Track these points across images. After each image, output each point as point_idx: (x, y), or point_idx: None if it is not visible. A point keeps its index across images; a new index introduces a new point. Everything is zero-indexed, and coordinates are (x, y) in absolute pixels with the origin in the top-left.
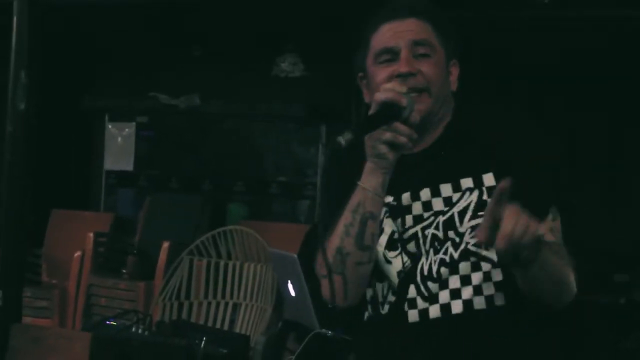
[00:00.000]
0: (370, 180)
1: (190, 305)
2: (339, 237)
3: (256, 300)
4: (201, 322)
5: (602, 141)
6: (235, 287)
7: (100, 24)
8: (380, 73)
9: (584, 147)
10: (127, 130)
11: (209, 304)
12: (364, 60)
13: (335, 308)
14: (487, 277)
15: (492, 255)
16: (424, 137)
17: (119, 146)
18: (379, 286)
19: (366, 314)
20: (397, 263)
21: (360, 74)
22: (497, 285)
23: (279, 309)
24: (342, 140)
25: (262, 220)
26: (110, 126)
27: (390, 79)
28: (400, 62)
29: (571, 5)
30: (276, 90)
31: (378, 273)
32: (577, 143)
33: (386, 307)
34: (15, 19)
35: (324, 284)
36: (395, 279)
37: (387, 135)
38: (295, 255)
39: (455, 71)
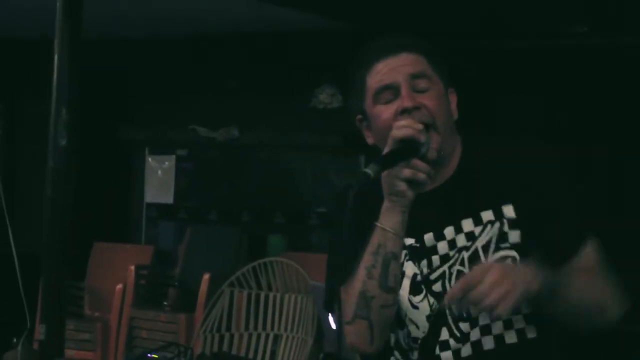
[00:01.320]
0: (389, 219)
1: (232, 337)
2: (361, 281)
3: (297, 331)
4: (242, 354)
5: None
6: (276, 319)
7: (140, 58)
8: (384, 112)
9: (627, 172)
10: (167, 162)
11: (250, 335)
12: (361, 102)
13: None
14: (516, 310)
15: None
16: (437, 174)
17: (159, 179)
18: (400, 333)
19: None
20: (424, 307)
21: (359, 117)
22: (527, 318)
23: (320, 341)
24: (370, 171)
25: (302, 252)
26: (150, 159)
27: (395, 116)
28: (402, 98)
29: (608, 33)
30: (314, 121)
31: (398, 319)
32: (620, 164)
33: (415, 354)
34: (56, 57)
35: (348, 331)
36: (425, 324)
37: (406, 173)
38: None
39: (453, 99)
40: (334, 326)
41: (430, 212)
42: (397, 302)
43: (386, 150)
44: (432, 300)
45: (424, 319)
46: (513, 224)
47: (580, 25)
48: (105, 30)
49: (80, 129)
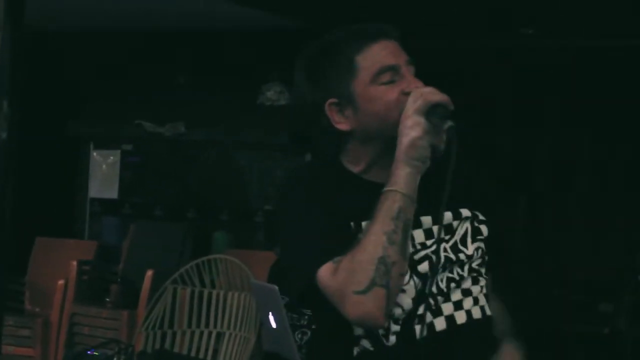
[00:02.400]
0: (409, 185)
1: (174, 334)
2: (381, 247)
3: (240, 329)
4: (184, 351)
5: (585, 170)
6: (219, 316)
7: (85, 52)
8: (387, 93)
9: (568, 178)
10: (112, 157)
11: (193, 333)
12: (347, 84)
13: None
14: (482, 289)
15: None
16: None
17: (104, 174)
18: None
19: (357, 350)
20: (410, 289)
21: (332, 101)
22: (487, 297)
23: (262, 339)
24: (451, 122)
25: (247, 249)
26: (95, 154)
27: (399, 97)
28: (405, 80)
29: (554, 35)
30: (261, 118)
31: None
32: (562, 171)
33: (392, 337)
34: None
35: (360, 300)
36: (410, 306)
37: (433, 139)
38: (276, 287)
39: None
40: (274, 325)
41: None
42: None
43: (414, 115)
44: (417, 280)
45: (410, 301)
46: (481, 222)
47: (526, 28)
48: (53, 24)
49: (25, 123)
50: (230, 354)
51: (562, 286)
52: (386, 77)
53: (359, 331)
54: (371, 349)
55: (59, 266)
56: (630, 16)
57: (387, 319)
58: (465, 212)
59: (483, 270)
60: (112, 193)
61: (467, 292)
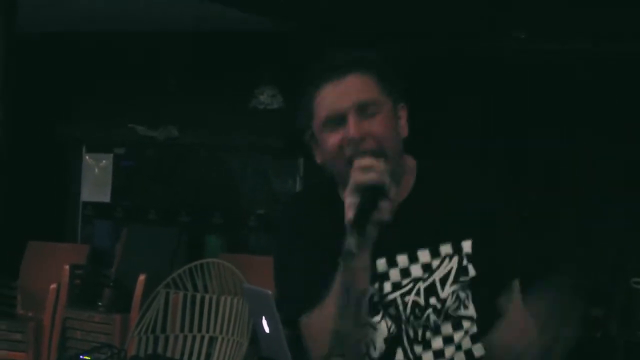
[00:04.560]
0: (359, 258)
1: (166, 338)
2: (334, 320)
3: (232, 334)
4: (177, 356)
5: (576, 174)
6: (212, 321)
7: (78, 55)
8: (330, 139)
9: (555, 181)
10: (104, 161)
11: (185, 337)
12: (310, 121)
13: None
14: (466, 332)
15: (472, 312)
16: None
17: (96, 177)
18: None
19: None
20: (382, 329)
21: (309, 133)
22: (474, 338)
23: (255, 343)
24: (353, 248)
25: (240, 253)
26: (87, 157)
27: (341, 145)
28: (348, 126)
29: (548, 39)
30: (254, 122)
31: None
32: (550, 175)
33: None
34: None
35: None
36: (381, 345)
37: (375, 216)
38: (270, 292)
39: (404, 114)
40: (267, 330)
41: (384, 238)
42: (368, 333)
43: (349, 196)
44: (390, 322)
45: (382, 340)
46: (469, 259)
47: (518, 32)
48: (45, 27)
49: (16, 126)
50: (223, 358)
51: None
52: (332, 125)
53: None
54: None
55: (51, 270)
56: (623, 20)
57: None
58: (446, 249)
59: (466, 313)
60: (105, 197)
61: (448, 340)
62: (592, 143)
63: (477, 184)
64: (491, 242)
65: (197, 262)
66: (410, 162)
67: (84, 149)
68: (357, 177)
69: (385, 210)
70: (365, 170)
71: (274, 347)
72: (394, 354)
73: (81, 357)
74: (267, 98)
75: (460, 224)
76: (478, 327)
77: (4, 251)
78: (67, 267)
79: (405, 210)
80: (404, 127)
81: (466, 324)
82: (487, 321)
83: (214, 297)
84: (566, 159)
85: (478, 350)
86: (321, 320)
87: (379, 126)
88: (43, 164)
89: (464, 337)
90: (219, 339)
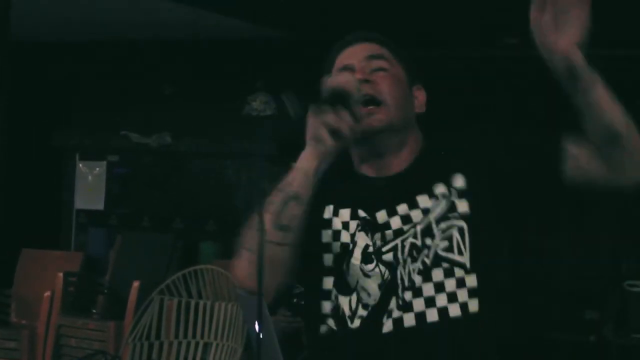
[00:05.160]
0: (304, 161)
1: (161, 345)
2: (259, 214)
3: (227, 339)
4: None
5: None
6: (206, 327)
7: (70, 63)
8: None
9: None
10: (97, 169)
11: (180, 344)
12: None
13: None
14: (460, 283)
15: (465, 260)
16: (389, 158)
17: (90, 185)
18: (343, 299)
19: (324, 328)
20: (376, 275)
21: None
22: (471, 292)
23: (250, 349)
24: (292, 112)
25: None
26: (81, 165)
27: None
28: (355, 74)
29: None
30: (247, 128)
31: (343, 286)
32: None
33: (357, 321)
34: None
35: (234, 264)
36: (376, 292)
37: (330, 119)
38: (263, 297)
39: (420, 95)
40: (261, 335)
41: (384, 194)
42: (289, 245)
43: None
44: (383, 269)
45: (376, 287)
46: (461, 194)
47: (511, 37)
48: (38, 35)
49: (10, 133)
50: None
51: (548, 294)
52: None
53: (326, 310)
54: (335, 328)
55: (45, 278)
56: (615, 25)
57: (264, 287)
58: (440, 189)
59: (459, 259)
60: (99, 204)
61: (439, 287)
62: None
63: (479, 144)
64: (484, 176)
65: (192, 269)
66: (420, 140)
67: (77, 157)
68: (328, 80)
69: (344, 119)
70: (337, 78)
71: (267, 352)
72: (388, 301)
73: None
74: (259, 105)
75: (450, 164)
76: (478, 281)
77: None
78: (60, 274)
79: (406, 174)
80: (419, 105)
81: (459, 272)
82: (483, 275)
83: (208, 304)
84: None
85: (473, 304)
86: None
87: (384, 79)
88: (36, 171)
89: (457, 287)
90: (214, 345)
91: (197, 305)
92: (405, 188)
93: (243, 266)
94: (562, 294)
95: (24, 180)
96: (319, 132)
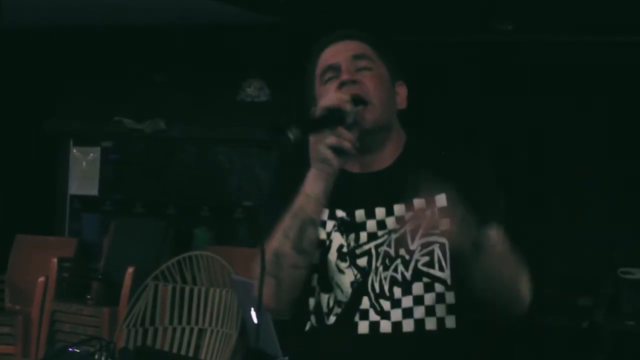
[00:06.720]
0: (313, 185)
1: (155, 331)
2: (277, 240)
3: (221, 325)
4: (166, 348)
5: (565, 165)
6: (201, 313)
7: (64, 48)
8: (326, 90)
9: (548, 171)
10: (91, 154)
11: (174, 329)
12: (312, 91)
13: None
14: (440, 298)
15: (446, 276)
16: (373, 155)
17: (84, 171)
18: (324, 297)
19: (308, 324)
20: (349, 273)
21: (314, 107)
22: (450, 308)
23: (244, 335)
24: (291, 135)
25: (228, 245)
26: (74, 150)
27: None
28: (341, 74)
29: (534, 31)
30: (242, 115)
31: (324, 283)
32: (542, 164)
33: (332, 318)
34: None
35: (256, 286)
36: (348, 289)
37: (332, 140)
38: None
39: (402, 91)
40: (255, 320)
41: (365, 191)
42: (308, 267)
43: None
44: (355, 271)
45: (348, 284)
46: (443, 213)
47: (505, 23)
48: (30, 21)
49: (3, 120)
50: (212, 351)
51: (540, 280)
52: (327, 76)
53: (310, 306)
54: (315, 325)
55: (39, 263)
56: (612, 11)
57: (282, 306)
58: (420, 204)
59: (439, 274)
60: (92, 190)
61: (418, 300)
62: (580, 133)
63: (460, 154)
64: (467, 194)
65: (186, 255)
66: (402, 136)
67: (71, 143)
68: (321, 102)
69: (345, 136)
70: (330, 97)
71: (262, 337)
72: (360, 301)
73: (70, 349)
74: (254, 91)
75: (435, 181)
76: (456, 298)
77: None
78: (55, 260)
79: (388, 172)
80: (401, 101)
81: (439, 287)
82: (463, 293)
83: (203, 289)
84: (554, 147)
85: (450, 321)
86: (268, 243)
87: (370, 79)
88: (30, 157)
89: (436, 302)
90: (208, 331)
91: (191, 291)
92: (386, 190)
93: (267, 291)
94: (556, 280)
95: (17, 166)
96: (324, 154)
